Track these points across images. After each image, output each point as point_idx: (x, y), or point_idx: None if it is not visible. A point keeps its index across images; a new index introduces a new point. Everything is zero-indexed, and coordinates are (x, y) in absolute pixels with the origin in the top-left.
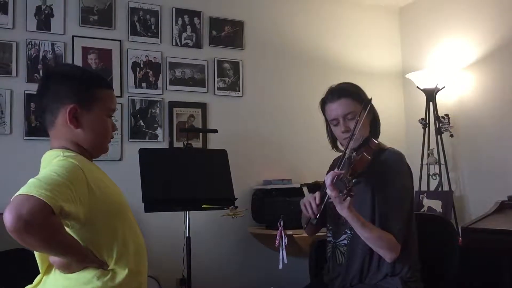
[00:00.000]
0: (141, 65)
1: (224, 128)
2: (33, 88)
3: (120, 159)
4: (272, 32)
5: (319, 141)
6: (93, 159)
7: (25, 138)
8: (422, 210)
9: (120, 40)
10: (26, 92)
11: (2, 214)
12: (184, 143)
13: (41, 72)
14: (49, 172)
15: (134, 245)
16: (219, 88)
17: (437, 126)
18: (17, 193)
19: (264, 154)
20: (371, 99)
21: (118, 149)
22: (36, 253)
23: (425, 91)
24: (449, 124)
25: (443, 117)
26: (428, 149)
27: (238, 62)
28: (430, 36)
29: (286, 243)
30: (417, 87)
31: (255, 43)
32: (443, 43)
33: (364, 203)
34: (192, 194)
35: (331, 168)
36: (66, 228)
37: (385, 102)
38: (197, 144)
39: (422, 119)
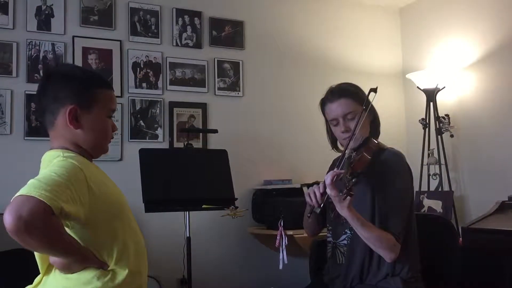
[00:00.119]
0: (142, 65)
1: (224, 128)
2: (34, 88)
3: (120, 159)
4: (273, 33)
5: (319, 141)
6: (93, 159)
7: (26, 138)
8: (423, 210)
9: (120, 40)
10: (26, 92)
11: (2, 214)
12: (184, 143)
13: (41, 72)
14: (49, 172)
15: (134, 245)
16: (219, 88)
17: (438, 126)
18: (17, 194)
19: (265, 154)
20: (376, 88)
21: (118, 149)
22: (36, 253)
23: (425, 91)
24: (449, 124)
25: (443, 117)
26: (429, 149)
27: (239, 62)
28: (431, 36)
29: (287, 243)
30: (418, 87)
31: (255, 44)
32: (443, 43)
33: (364, 203)
34: (192, 194)
35: (331, 168)
36: (66, 229)
37: (386, 102)
38: (197, 144)
39: (423, 119)
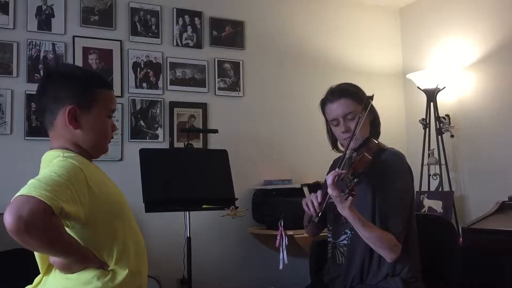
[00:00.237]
0: (142, 65)
1: (224, 128)
2: (34, 88)
3: (121, 159)
4: (273, 33)
5: (319, 141)
6: (93, 159)
7: (26, 138)
8: (423, 210)
9: (120, 40)
10: (26, 92)
11: (2, 214)
12: (184, 143)
13: (42, 72)
14: (49, 172)
15: (134, 245)
16: (219, 88)
17: (438, 126)
18: (17, 194)
19: (265, 154)
20: (372, 95)
21: (118, 149)
22: (36, 253)
23: (425, 91)
24: (449, 125)
25: (443, 117)
26: (429, 149)
27: (239, 62)
28: (431, 36)
29: (287, 243)
30: (418, 87)
31: (256, 44)
32: (443, 43)
33: (365, 203)
34: (192, 194)
35: (331, 168)
36: (66, 229)
37: (386, 102)
38: (197, 144)
39: (423, 119)
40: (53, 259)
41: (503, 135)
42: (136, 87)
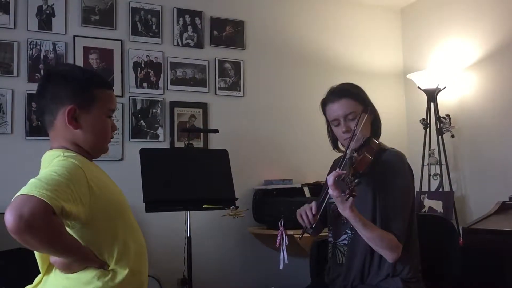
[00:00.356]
0: (142, 65)
1: (225, 128)
2: (35, 88)
3: (121, 159)
4: (274, 32)
5: (320, 142)
6: (94, 159)
7: (26, 138)
8: (423, 210)
9: (121, 40)
10: (27, 91)
11: (3, 214)
12: (185, 143)
13: (42, 72)
14: (50, 172)
15: (135, 245)
16: (220, 88)
17: (438, 127)
18: (18, 194)
19: (265, 154)
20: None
21: (119, 149)
22: (36, 253)
23: (426, 91)
24: (450, 125)
25: (444, 117)
26: (429, 150)
27: (239, 62)
28: (431, 36)
29: (287, 243)
30: (418, 87)
31: (256, 43)
32: (444, 44)
33: (365, 204)
34: (193, 194)
35: (332, 168)
36: (67, 228)
37: (386, 102)
38: (198, 144)
39: (423, 119)
40: (53, 258)
41: (503, 135)
42: (137, 87)
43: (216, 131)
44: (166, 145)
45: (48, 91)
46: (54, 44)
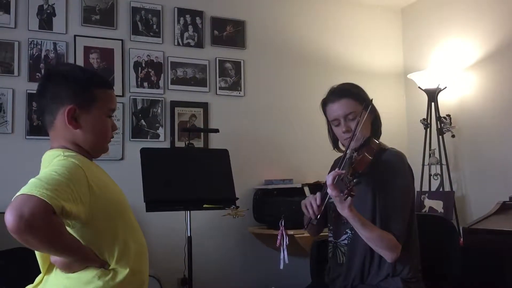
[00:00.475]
0: (143, 65)
1: (225, 128)
2: (35, 87)
3: (122, 159)
4: (274, 32)
5: (320, 141)
6: (94, 159)
7: (27, 137)
8: (424, 210)
9: (122, 40)
10: (28, 91)
11: (3, 213)
12: (185, 143)
13: (43, 71)
14: (50, 171)
15: (135, 244)
16: (220, 88)
17: (439, 127)
18: (18, 193)
19: (266, 154)
20: (371, 100)
21: (119, 148)
22: (37, 253)
23: (426, 91)
24: (450, 125)
25: (444, 117)
26: (430, 150)
27: (240, 62)
28: (432, 36)
29: (288, 243)
30: (419, 87)
31: (257, 43)
32: (444, 44)
33: (365, 203)
34: (193, 194)
35: (332, 168)
36: (67, 228)
37: (387, 102)
38: (198, 143)
39: (424, 119)
40: (54, 258)
41: (504, 135)
42: (137, 87)
43: (216, 131)
44: (166, 144)
45: (48, 91)
46: (54, 44)
